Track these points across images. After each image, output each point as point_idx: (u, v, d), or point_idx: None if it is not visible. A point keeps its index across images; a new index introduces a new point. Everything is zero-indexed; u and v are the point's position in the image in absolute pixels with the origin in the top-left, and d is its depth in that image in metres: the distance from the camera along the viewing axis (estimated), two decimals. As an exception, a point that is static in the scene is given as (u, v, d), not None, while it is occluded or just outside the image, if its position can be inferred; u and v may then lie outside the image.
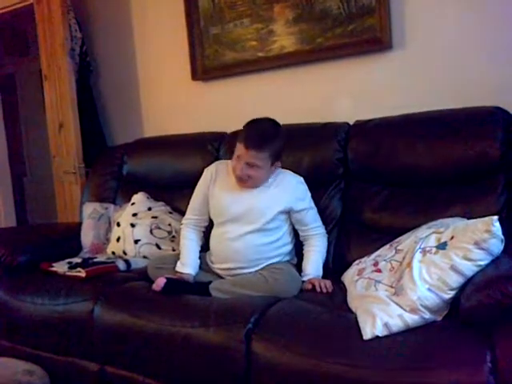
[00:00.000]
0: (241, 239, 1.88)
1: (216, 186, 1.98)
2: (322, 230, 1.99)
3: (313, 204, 1.98)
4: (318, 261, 1.92)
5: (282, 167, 1.99)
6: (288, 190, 1.91)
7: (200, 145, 2.54)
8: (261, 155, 1.80)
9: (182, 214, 2.19)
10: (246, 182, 1.87)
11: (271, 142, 1.82)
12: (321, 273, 1.90)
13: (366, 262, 1.75)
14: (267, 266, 1.88)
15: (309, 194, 1.97)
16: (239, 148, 1.83)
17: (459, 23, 2.10)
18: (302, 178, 1.97)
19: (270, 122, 1.89)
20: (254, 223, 1.88)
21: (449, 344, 1.30)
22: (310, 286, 1.82)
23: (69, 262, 2.22)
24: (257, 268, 1.88)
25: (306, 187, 1.97)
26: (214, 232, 2.00)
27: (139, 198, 2.49)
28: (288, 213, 1.92)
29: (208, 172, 2.03)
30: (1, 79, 3.78)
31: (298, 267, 1.94)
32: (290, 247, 1.96)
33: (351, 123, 2.21)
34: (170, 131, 2.79)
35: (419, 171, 1.95)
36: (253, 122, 1.88)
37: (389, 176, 2.04)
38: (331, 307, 1.62)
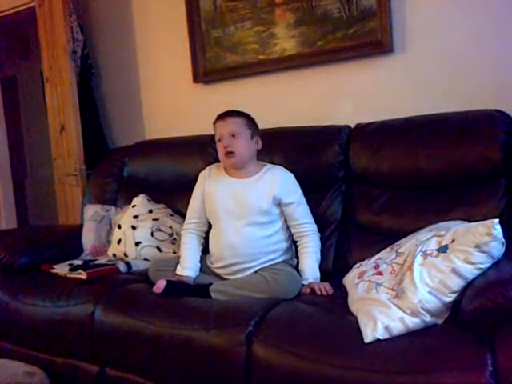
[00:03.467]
0: (237, 233, 1.90)
1: (210, 185, 2.02)
2: (313, 227, 1.99)
3: (304, 200, 1.99)
4: (313, 263, 1.92)
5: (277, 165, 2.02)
6: (277, 182, 1.94)
7: (201, 147, 2.54)
8: (238, 120, 1.95)
9: (183, 216, 2.20)
10: (233, 153, 1.92)
11: (242, 112, 1.99)
12: (318, 274, 1.90)
13: (367, 264, 1.75)
14: (267, 266, 1.88)
15: (299, 190, 1.99)
16: (217, 128, 1.97)
17: (460, 26, 2.11)
18: (291, 174, 2.00)
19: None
20: (248, 216, 1.90)
21: (449, 347, 1.30)
22: (308, 291, 1.82)
23: (70, 264, 2.22)
24: (254, 263, 1.89)
25: (295, 182, 1.99)
26: (211, 232, 2.02)
27: (140, 201, 2.49)
28: (279, 206, 1.94)
29: (202, 176, 2.08)
30: (2, 81, 3.79)
31: (297, 269, 1.93)
32: (286, 245, 1.97)
33: (352, 126, 2.21)
34: (171, 134, 2.79)
35: (420, 174, 1.95)
36: None
37: (390, 179, 2.04)
38: (332, 310, 1.62)
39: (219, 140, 1.96)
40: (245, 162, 1.96)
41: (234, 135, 1.92)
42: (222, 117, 1.97)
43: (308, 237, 1.96)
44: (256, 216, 1.90)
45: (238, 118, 1.96)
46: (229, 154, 1.92)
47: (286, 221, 1.98)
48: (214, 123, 1.99)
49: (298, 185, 1.99)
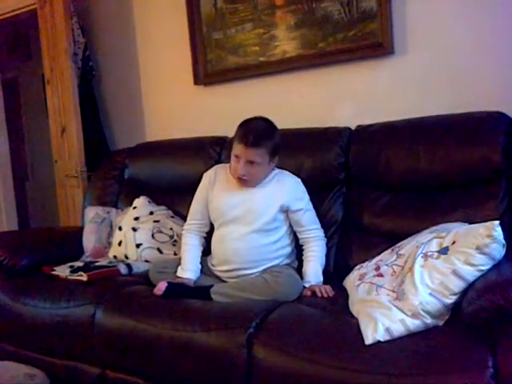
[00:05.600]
0: (241, 240, 1.89)
1: (215, 189, 2.00)
2: (320, 233, 1.98)
3: (311, 206, 1.98)
4: (317, 267, 1.91)
5: (283, 169, 2.01)
6: (286, 189, 1.93)
7: (202, 149, 2.54)
8: (260, 152, 1.83)
9: (184, 218, 2.20)
10: (246, 181, 1.89)
11: (268, 138, 1.86)
12: (321, 279, 1.89)
13: (368, 266, 1.75)
14: (268, 268, 1.88)
15: (307, 196, 1.97)
16: (237, 147, 1.86)
17: (461, 28, 2.11)
18: (299, 179, 1.99)
19: (264, 120, 1.93)
20: (254, 223, 1.89)
21: (450, 349, 1.30)
22: (309, 293, 1.81)
23: (70, 266, 2.22)
24: (257, 269, 1.88)
25: (303, 188, 1.98)
26: (214, 234, 2.01)
27: (141, 202, 2.50)
28: (286, 212, 1.93)
29: (206, 177, 2.05)
30: (4, 83, 3.79)
31: (299, 272, 1.93)
32: (289, 249, 1.97)
33: (353, 128, 2.22)
34: (171, 135, 2.79)
35: (421, 176, 1.95)
36: (247, 121, 1.91)
37: (390, 181, 2.04)
38: (333, 312, 1.62)
39: (236, 156, 1.87)
40: (257, 184, 1.92)
41: (252, 162, 1.84)
42: (245, 142, 1.82)
43: (314, 241, 1.96)
44: (262, 223, 1.89)
45: (262, 149, 1.83)
46: (242, 179, 1.89)
47: (290, 225, 1.97)
48: (237, 137, 1.87)
49: (305, 190, 1.98)
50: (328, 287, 1.82)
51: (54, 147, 3.10)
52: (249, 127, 1.88)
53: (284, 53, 2.51)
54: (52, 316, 2.00)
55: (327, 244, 2.01)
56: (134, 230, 2.34)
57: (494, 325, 1.28)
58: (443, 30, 2.14)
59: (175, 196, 2.56)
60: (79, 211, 2.89)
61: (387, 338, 1.36)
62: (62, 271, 2.17)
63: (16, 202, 3.73)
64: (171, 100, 2.97)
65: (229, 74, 2.70)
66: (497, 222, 1.39)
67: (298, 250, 2.01)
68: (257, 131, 1.85)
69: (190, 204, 2.10)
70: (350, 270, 1.87)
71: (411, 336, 1.37)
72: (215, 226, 2.01)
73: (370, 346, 1.36)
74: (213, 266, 1.99)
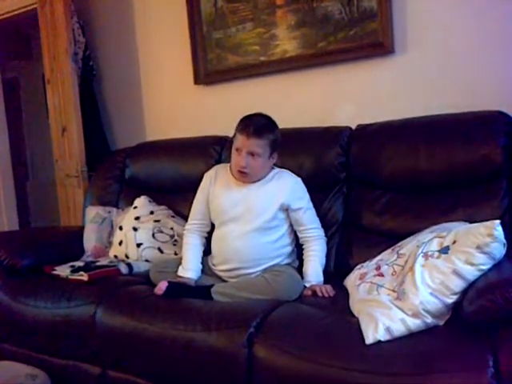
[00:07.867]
0: (242, 238, 1.89)
1: (216, 188, 2.00)
2: (320, 232, 1.98)
3: (311, 205, 1.98)
4: (317, 266, 1.91)
5: (283, 168, 2.02)
6: (286, 188, 1.93)
7: (202, 149, 2.55)
8: (261, 142, 1.86)
9: (185, 217, 2.20)
10: (246, 174, 1.89)
11: (269, 130, 1.90)
12: (321, 278, 1.89)
13: (368, 266, 1.75)
14: (268, 267, 1.88)
15: (307, 195, 1.98)
16: (239, 140, 1.88)
17: (461, 27, 2.11)
18: (299, 178, 1.99)
19: (264, 116, 1.96)
20: (254, 222, 1.89)
21: (451, 349, 1.30)
22: (309, 293, 1.81)
23: (71, 266, 2.22)
24: (258, 269, 1.88)
25: (304, 187, 1.98)
26: (215, 233, 2.01)
27: (141, 202, 2.50)
28: (286, 211, 1.93)
29: (207, 177, 2.06)
30: (4, 83, 3.79)
31: (299, 272, 1.93)
32: (290, 249, 1.97)
33: (353, 127, 2.22)
34: (172, 135, 2.79)
35: (421, 175, 1.95)
36: (248, 116, 1.94)
37: (391, 180, 2.04)
38: (333, 311, 1.62)
39: (237, 149, 1.90)
40: (257, 178, 1.93)
41: (253, 154, 1.87)
42: (247, 132, 1.86)
43: (314, 241, 1.96)
44: (262, 221, 1.89)
45: (263, 140, 1.86)
46: (243, 172, 1.90)
47: (290, 224, 1.97)
48: (238, 129, 1.91)
49: (305, 189, 1.98)
50: (329, 287, 1.82)
51: (54, 147, 3.10)
52: (250, 120, 1.91)
53: (284, 52, 2.51)
54: (53, 316, 2.00)
55: (328, 243, 2.01)
56: (135, 229, 2.34)
57: (494, 324, 1.28)
58: (444, 29, 2.14)
59: (176, 196, 2.56)
60: (80, 211, 2.90)
61: (388, 337, 1.36)
62: (63, 271, 2.17)
63: (17, 201, 3.74)
64: (171, 99, 2.97)
65: (229, 74, 2.70)
66: (497, 222, 1.39)
67: (298, 249, 2.01)
68: (258, 123, 1.89)
69: (191, 204, 2.10)
70: (350, 269, 1.87)
71: (412, 336, 1.37)
72: (216, 225, 2.01)
73: (370, 345, 1.36)
74: (213, 265, 2.00)
